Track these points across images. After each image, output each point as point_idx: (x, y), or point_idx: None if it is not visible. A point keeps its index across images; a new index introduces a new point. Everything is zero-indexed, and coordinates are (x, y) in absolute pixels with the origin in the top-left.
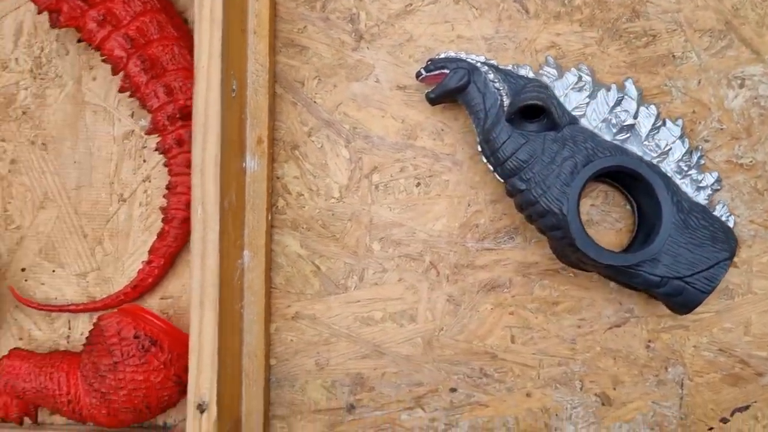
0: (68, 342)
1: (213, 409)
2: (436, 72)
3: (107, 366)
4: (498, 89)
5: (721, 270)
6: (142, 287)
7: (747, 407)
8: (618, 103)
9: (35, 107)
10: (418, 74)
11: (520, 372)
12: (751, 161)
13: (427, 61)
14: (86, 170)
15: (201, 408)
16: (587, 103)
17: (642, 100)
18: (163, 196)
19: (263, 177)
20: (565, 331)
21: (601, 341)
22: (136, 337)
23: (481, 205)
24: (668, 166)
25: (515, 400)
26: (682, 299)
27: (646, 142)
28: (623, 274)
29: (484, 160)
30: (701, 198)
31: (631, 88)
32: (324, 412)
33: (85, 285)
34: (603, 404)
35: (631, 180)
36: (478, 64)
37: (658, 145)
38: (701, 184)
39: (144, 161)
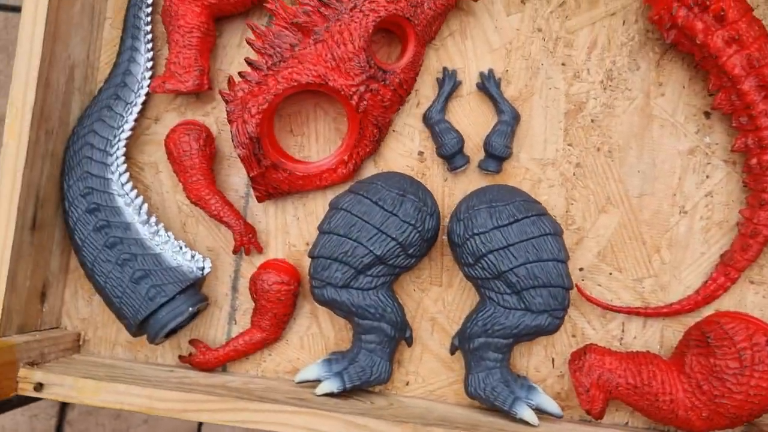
0: (620, 343)
1: None
2: None
3: (732, 370)
4: None
5: None
6: (712, 298)
7: None
8: None
9: (603, 116)
10: None
11: None
12: None
13: None
14: (649, 180)
15: None
16: None
17: None
18: (740, 211)
19: None
20: None
21: None
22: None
23: None
24: None
25: None
26: None
27: None
28: None
29: None
30: None
31: None
32: None
33: (641, 290)
34: None
35: None
36: None
37: None
38: None
39: (707, 177)
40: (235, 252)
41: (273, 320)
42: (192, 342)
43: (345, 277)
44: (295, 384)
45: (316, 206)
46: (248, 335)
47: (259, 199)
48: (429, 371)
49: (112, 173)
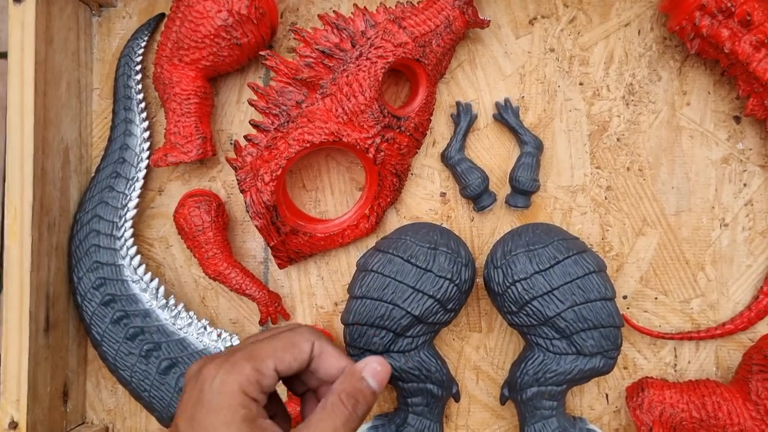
0: (675, 370)
1: None
2: None
3: None
4: None
5: None
6: (765, 313)
7: None
8: None
9: (629, 134)
10: None
11: None
12: None
13: None
14: (685, 195)
15: None
16: None
17: None
18: None
19: None
20: None
21: None
22: None
23: None
24: None
25: None
26: None
27: None
28: None
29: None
30: None
31: None
32: None
33: (690, 312)
34: None
35: None
36: None
37: None
38: None
39: (744, 185)
40: (261, 323)
41: None
42: None
43: (384, 342)
44: None
45: (340, 264)
46: (289, 407)
47: (281, 266)
48: (479, 423)
49: (123, 258)
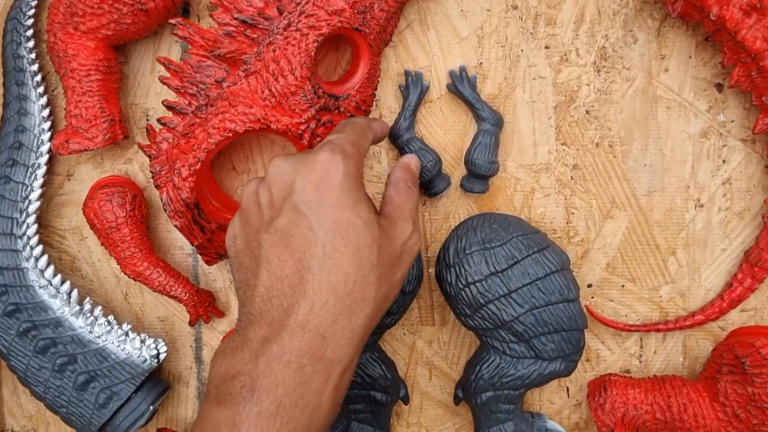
0: (640, 362)
1: None
2: None
3: None
4: None
5: None
6: (738, 302)
7: None
8: None
9: (599, 105)
10: None
11: None
12: None
13: None
14: (658, 174)
15: None
16: None
17: None
18: (766, 200)
19: None
20: None
21: None
22: None
23: None
24: None
25: None
26: None
27: None
28: None
29: None
30: None
31: None
32: None
33: (659, 300)
34: None
35: None
36: None
37: None
38: None
39: (724, 161)
40: (191, 324)
41: None
42: (161, 431)
43: None
44: None
45: None
46: None
47: (209, 263)
48: (432, 420)
49: (27, 260)
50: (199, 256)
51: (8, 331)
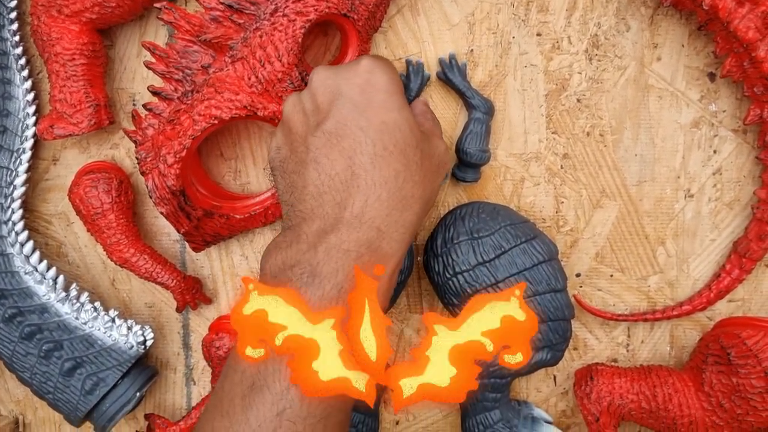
0: (627, 351)
1: None
2: None
3: (758, 389)
4: None
5: None
6: (726, 293)
7: None
8: None
9: (591, 93)
10: None
11: None
12: None
13: None
14: (649, 163)
15: None
16: None
17: None
18: (755, 192)
19: None
20: None
21: None
22: None
23: None
24: None
25: None
26: None
27: None
28: None
29: None
30: None
31: None
32: None
33: (647, 290)
34: None
35: None
36: None
37: None
38: None
39: (715, 152)
40: (178, 311)
41: None
42: (148, 417)
43: None
44: None
45: (266, 241)
46: None
47: (196, 250)
48: (419, 408)
49: (12, 246)
50: (186, 243)
51: None
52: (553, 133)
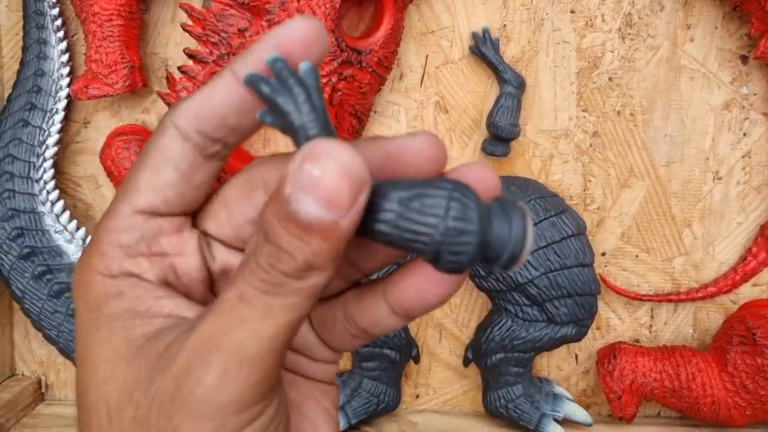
0: (650, 332)
1: None
2: None
3: None
4: None
5: None
6: (751, 276)
7: None
8: None
9: (623, 72)
10: None
11: None
12: None
13: None
14: (678, 144)
15: None
16: None
17: None
18: None
19: None
20: None
21: None
22: None
23: None
24: None
25: None
26: None
27: None
28: None
29: None
30: None
31: None
32: None
33: (671, 271)
34: None
35: None
36: None
37: None
38: None
39: (744, 135)
40: None
41: None
42: None
43: None
44: None
45: None
46: None
47: None
48: (440, 381)
49: (43, 204)
50: None
51: (23, 273)
52: (583, 110)
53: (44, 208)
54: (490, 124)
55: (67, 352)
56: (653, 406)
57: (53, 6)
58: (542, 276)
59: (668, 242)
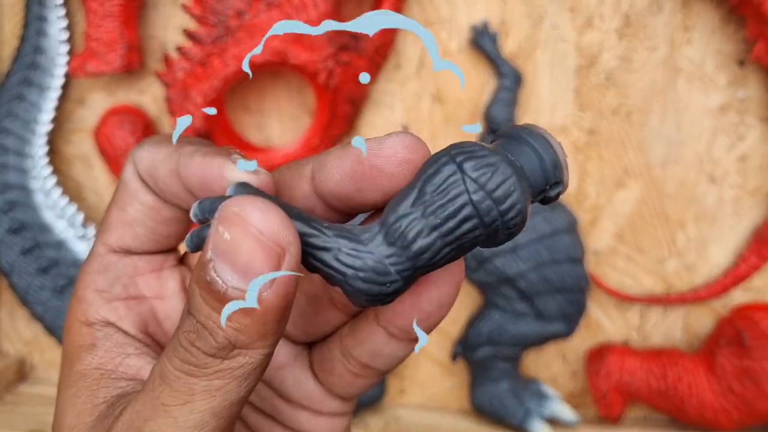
0: (637, 334)
1: None
2: None
3: None
4: None
5: None
6: (742, 280)
7: None
8: None
9: (620, 72)
10: None
11: None
12: None
13: None
14: (674, 146)
15: None
16: None
17: None
18: None
19: None
20: None
21: None
22: None
23: None
24: None
25: None
26: None
27: None
28: None
29: None
30: None
31: None
32: None
33: (664, 273)
34: None
35: None
36: None
37: None
38: None
39: (739, 138)
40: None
41: None
42: None
43: None
44: None
45: None
46: None
47: None
48: (427, 376)
49: (35, 180)
50: None
51: (12, 247)
52: (579, 108)
53: (36, 184)
54: (487, 117)
55: (52, 329)
56: (640, 410)
57: None
58: (532, 270)
59: (661, 243)
